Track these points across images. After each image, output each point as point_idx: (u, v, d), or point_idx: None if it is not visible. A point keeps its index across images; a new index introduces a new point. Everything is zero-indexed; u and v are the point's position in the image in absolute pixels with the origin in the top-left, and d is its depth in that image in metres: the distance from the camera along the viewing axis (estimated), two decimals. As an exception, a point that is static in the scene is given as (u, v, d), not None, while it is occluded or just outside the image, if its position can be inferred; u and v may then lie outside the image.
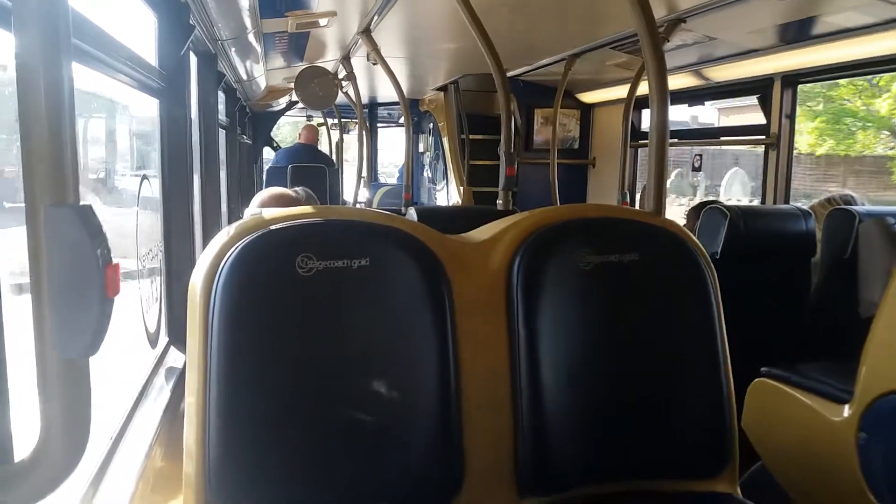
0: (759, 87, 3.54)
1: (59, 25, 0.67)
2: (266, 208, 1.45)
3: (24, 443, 0.75)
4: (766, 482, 1.95)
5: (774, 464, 1.98)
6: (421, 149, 7.29)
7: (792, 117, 3.42)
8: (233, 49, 3.35)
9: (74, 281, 0.64)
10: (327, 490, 1.27)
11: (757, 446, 2.00)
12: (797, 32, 3.01)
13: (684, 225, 2.81)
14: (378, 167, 9.32)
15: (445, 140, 5.92)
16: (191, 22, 2.23)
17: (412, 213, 2.54)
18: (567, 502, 1.39)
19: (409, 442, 1.30)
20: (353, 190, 5.99)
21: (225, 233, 1.29)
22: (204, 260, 1.25)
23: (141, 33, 2.08)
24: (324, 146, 8.41)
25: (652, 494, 1.43)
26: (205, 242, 2.47)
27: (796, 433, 1.89)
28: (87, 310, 0.65)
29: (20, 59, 0.66)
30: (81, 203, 0.67)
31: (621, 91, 4.52)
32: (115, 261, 0.66)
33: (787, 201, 3.42)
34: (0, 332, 0.73)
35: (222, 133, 4.19)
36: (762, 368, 2.01)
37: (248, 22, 2.87)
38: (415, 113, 6.63)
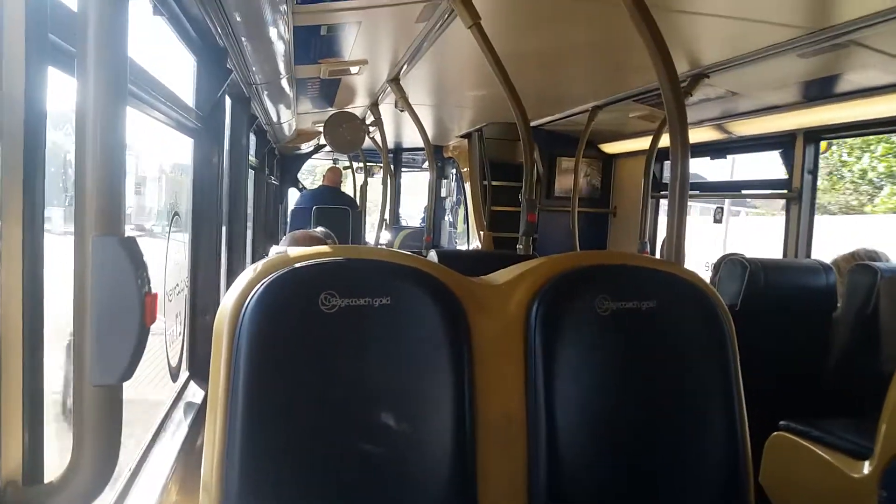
0: (782, 142, 3.57)
1: (118, 72, 0.72)
2: (291, 247, 1.48)
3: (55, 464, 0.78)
4: None
5: None
6: (443, 194, 7.38)
7: (814, 172, 3.44)
8: (266, 93, 3.45)
9: (115, 308, 0.68)
10: None
11: (775, 500, 1.97)
12: (820, 90, 3.04)
13: (710, 277, 2.81)
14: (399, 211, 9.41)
15: (468, 185, 5.99)
16: (228, 66, 2.32)
17: (433, 255, 2.57)
18: None
19: (424, 482, 1.30)
20: (374, 232, 6.05)
21: (251, 270, 1.32)
22: (230, 296, 1.29)
23: (173, 67, 2.16)
24: (348, 189, 8.54)
25: None
26: (229, 280, 2.52)
27: (815, 488, 1.87)
28: (125, 337, 0.68)
29: (80, 100, 0.70)
30: (126, 235, 0.71)
31: (643, 142, 4.57)
32: (154, 291, 0.70)
33: (808, 255, 3.41)
34: (40, 360, 0.77)
35: (251, 173, 4.29)
36: (780, 422, 2.00)
37: (282, 68, 2.97)
38: (438, 158, 6.73)
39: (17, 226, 0.73)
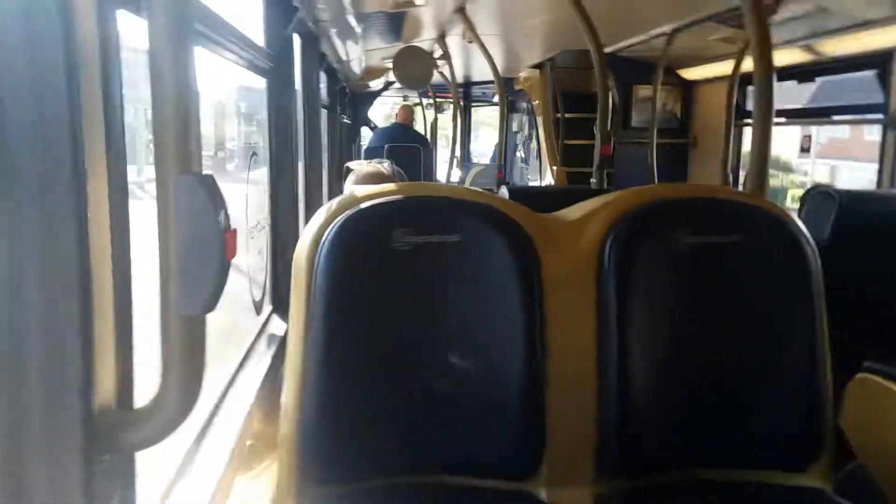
0: (877, 62, 3.31)
1: (185, 13, 0.73)
2: (363, 185, 1.50)
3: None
4: (864, 483, 1.86)
5: (874, 464, 1.88)
6: (515, 128, 7.26)
7: None
8: (333, 30, 3.44)
9: (197, 244, 0.71)
10: (412, 454, 1.32)
11: (855, 444, 1.91)
12: (923, 1, 2.80)
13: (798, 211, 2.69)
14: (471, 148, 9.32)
15: (539, 119, 5.87)
16: (294, 3, 2.32)
17: (504, 192, 2.56)
18: (648, 487, 1.38)
19: (493, 415, 1.33)
20: (446, 170, 6.04)
21: (326, 209, 1.36)
22: (307, 234, 1.32)
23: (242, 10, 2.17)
24: (419, 126, 8.51)
25: (738, 484, 1.40)
26: (307, 217, 2.58)
27: None
28: (208, 270, 0.71)
29: (152, 43, 0.72)
30: (204, 172, 0.73)
31: (725, 67, 4.34)
32: (233, 227, 0.73)
33: None
34: (128, 291, 0.81)
35: (324, 112, 4.32)
36: (865, 363, 1.91)
37: (347, 2, 2.94)
38: (509, 92, 6.60)
39: (102, 164, 0.76)
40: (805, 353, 1.41)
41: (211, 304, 0.72)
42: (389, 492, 1.31)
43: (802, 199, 3.09)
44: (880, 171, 3.32)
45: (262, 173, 2.27)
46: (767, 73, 1.66)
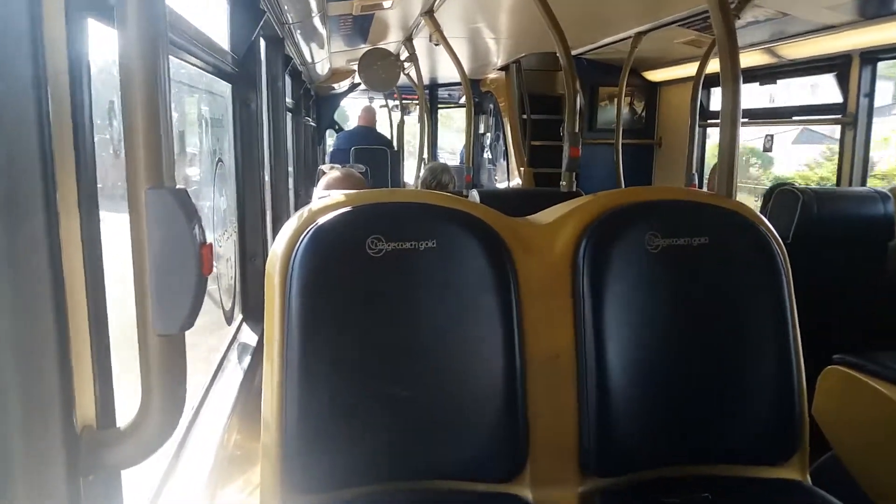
0: (836, 65, 3.40)
1: (157, 23, 0.71)
2: (335, 190, 1.49)
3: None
4: (838, 472, 1.90)
5: (846, 454, 1.92)
6: (481, 130, 7.27)
7: (871, 96, 3.28)
8: (299, 32, 3.40)
9: (172, 260, 0.68)
10: (396, 460, 1.31)
11: (828, 435, 1.95)
12: (878, 6, 2.87)
13: (760, 208, 2.74)
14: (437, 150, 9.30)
15: (506, 121, 5.88)
16: (261, 7, 2.28)
17: (474, 196, 2.55)
18: (630, 484, 1.39)
19: (474, 419, 1.33)
20: (412, 171, 6.02)
21: (298, 216, 1.34)
22: (279, 242, 1.30)
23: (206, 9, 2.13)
24: (384, 128, 8.47)
25: (717, 479, 1.42)
26: (273, 222, 2.54)
27: (870, 423, 1.84)
28: (184, 287, 0.69)
29: (123, 53, 0.70)
30: (178, 186, 0.71)
31: (689, 69, 4.40)
32: (208, 241, 0.70)
33: (864, 183, 3.29)
34: (104, 311, 0.79)
35: (289, 116, 4.27)
36: (835, 356, 1.95)
37: (314, 5, 2.91)
38: (476, 94, 6.60)
39: (72, 175, 0.73)
40: (777, 349, 1.44)
41: (189, 322, 0.70)
42: (375, 498, 1.31)
43: (766, 198, 3.15)
44: (839, 169, 3.40)
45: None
46: (734, 74, 1.69)
